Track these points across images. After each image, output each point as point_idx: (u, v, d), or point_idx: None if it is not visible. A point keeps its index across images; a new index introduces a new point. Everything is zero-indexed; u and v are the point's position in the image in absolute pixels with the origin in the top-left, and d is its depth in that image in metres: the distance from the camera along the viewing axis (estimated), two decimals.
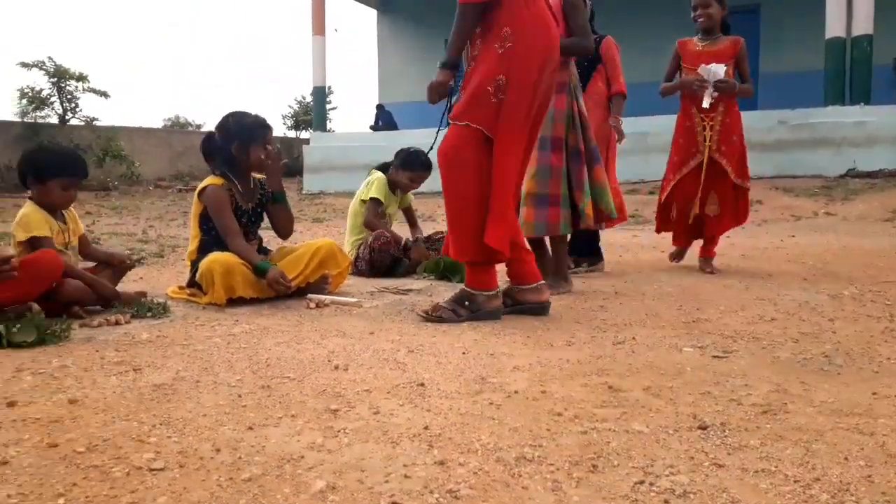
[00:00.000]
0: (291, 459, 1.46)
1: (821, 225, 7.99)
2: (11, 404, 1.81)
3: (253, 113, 3.47)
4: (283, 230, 3.67)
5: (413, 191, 4.69)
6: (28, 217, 3.01)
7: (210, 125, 15.50)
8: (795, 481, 1.36)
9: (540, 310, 3.01)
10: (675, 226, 4.54)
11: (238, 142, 3.40)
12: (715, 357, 2.32)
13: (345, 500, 1.28)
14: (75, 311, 2.89)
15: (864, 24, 10.64)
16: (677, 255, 4.71)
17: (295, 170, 16.59)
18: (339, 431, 1.63)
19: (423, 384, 1.99)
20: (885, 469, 1.41)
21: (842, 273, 4.24)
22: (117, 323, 2.79)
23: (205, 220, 3.43)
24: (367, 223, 4.40)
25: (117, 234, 7.07)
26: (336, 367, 2.19)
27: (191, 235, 3.52)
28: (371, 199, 4.43)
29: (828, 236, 6.87)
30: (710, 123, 4.33)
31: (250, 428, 1.65)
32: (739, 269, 4.54)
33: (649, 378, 2.06)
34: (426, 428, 1.64)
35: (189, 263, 3.46)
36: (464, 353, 2.38)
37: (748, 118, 11.49)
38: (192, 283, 3.36)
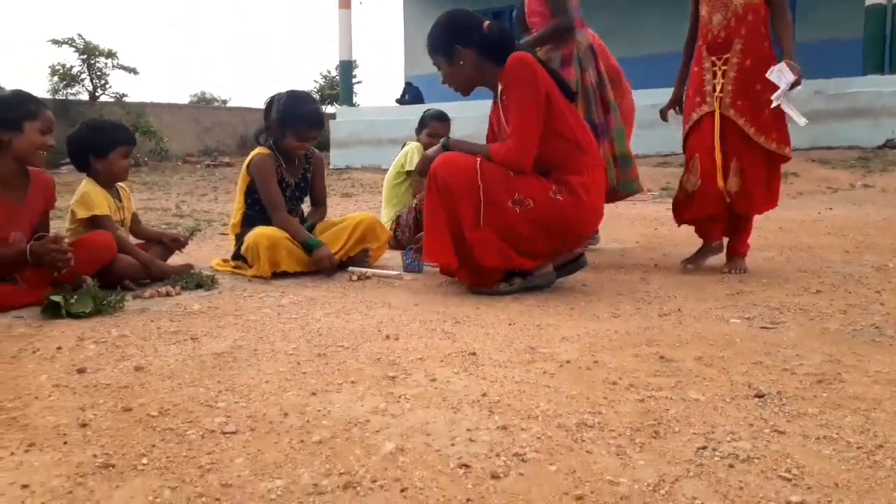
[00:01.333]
0: (358, 423, 1.51)
1: (858, 197, 7.87)
2: (81, 371, 1.88)
3: (313, 104, 3.52)
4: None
5: None
6: (89, 195, 3.10)
7: (237, 101, 15.56)
8: (858, 448, 1.37)
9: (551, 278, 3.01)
10: (693, 208, 3.40)
11: (280, 123, 3.43)
12: (763, 328, 2.32)
13: (415, 462, 1.32)
14: (127, 284, 2.96)
15: None
16: (692, 259, 3.48)
17: (320, 145, 16.62)
18: (399, 397, 1.67)
19: (474, 353, 2.03)
20: None
21: (885, 245, 4.19)
22: (168, 294, 2.85)
23: (250, 193, 3.48)
24: (416, 192, 4.41)
25: (151, 208, 7.16)
26: (387, 337, 2.22)
27: (235, 208, 3.58)
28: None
29: (867, 208, 6.77)
30: (723, 68, 3.25)
31: (313, 394, 1.69)
32: (778, 242, 4.51)
33: (699, 349, 2.07)
34: (484, 395, 1.68)
35: (234, 237, 3.51)
36: (510, 324, 2.40)
37: None
38: (237, 256, 3.41)
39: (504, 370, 1.87)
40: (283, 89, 3.54)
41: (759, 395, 1.66)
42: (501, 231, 2.81)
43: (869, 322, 2.37)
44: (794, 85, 3.11)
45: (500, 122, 2.98)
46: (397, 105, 14.05)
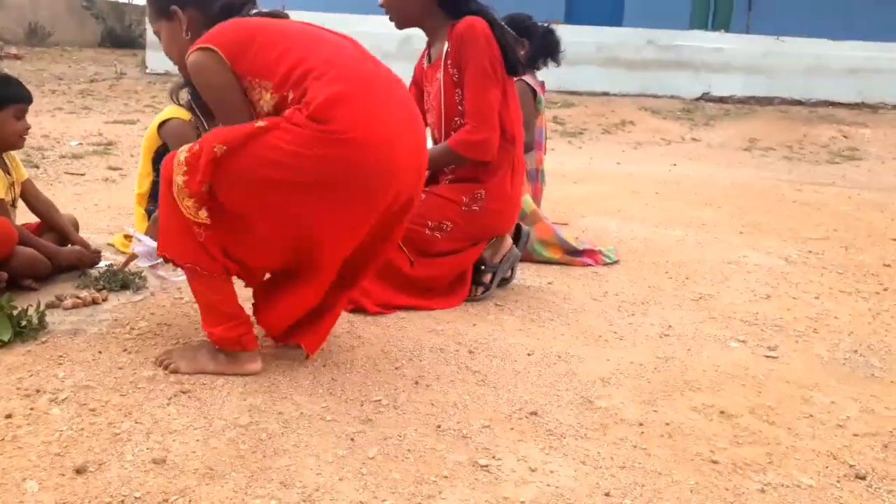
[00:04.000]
0: None
1: (692, 151, 8.43)
2: (80, 471, 1.44)
3: None
4: None
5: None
6: None
7: None
8: None
9: None
10: None
11: None
12: (767, 357, 2.35)
13: None
14: (29, 285, 2.37)
15: None
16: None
17: (127, 40, 14.84)
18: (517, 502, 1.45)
19: (535, 412, 1.84)
20: None
21: (769, 225, 4.47)
22: (94, 303, 2.32)
23: (159, 159, 2.90)
24: None
25: None
26: (416, 383, 1.96)
27: (139, 174, 2.98)
28: None
29: (706, 166, 7.28)
30: None
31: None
32: (673, 214, 4.65)
33: (738, 394, 2.05)
34: (607, 495, 1.51)
35: (143, 211, 2.94)
36: (529, 353, 2.23)
37: (616, 35, 11.65)
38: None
39: (587, 443, 1.71)
40: None
41: (861, 477, 1.65)
42: (439, 258, 2.59)
43: (848, 348, 2.48)
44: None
45: (427, 80, 2.71)
46: None
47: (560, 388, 2.00)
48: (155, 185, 2.93)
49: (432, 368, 2.06)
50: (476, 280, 2.68)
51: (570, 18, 13.42)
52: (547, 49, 3.50)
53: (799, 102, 11.01)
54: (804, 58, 10.97)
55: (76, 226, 2.72)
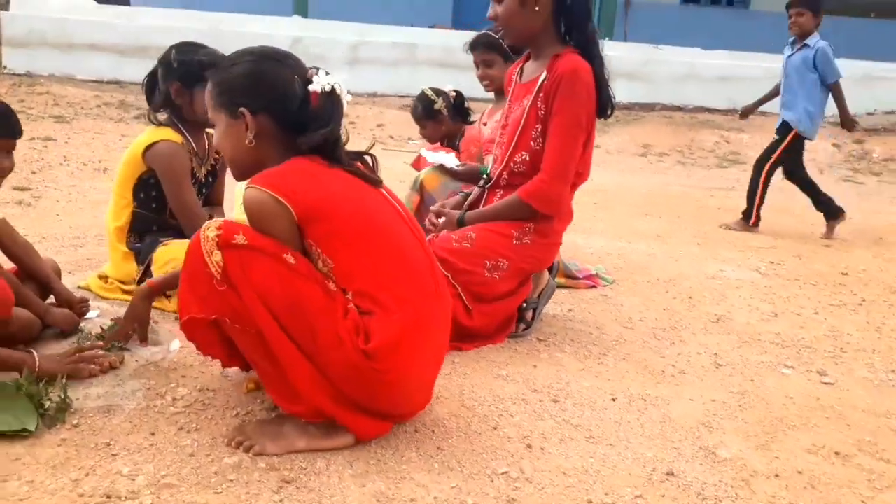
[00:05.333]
0: None
1: (595, 158, 8.62)
2: None
3: (210, 47, 2.56)
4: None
5: None
6: None
7: None
8: None
9: None
10: None
11: (179, 81, 2.50)
12: (825, 384, 2.35)
13: None
14: (23, 350, 1.93)
15: None
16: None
17: None
18: None
19: (671, 473, 1.70)
20: None
21: (710, 233, 4.59)
22: (112, 367, 1.93)
23: (143, 187, 2.51)
24: None
25: None
26: (529, 447, 1.77)
27: (114, 204, 2.56)
28: None
29: (613, 174, 7.49)
30: None
31: None
32: (614, 221, 4.68)
33: (831, 428, 2.01)
34: None
35: (123, 247, 2.52)
36: (613, 399, 2.09)
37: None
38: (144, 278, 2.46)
39: None
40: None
41: None
42: (496, 304, 2.42)
43: (884, 368, 2.53)
44: None
45: (515, 95, 2.52)
46: (96, 4, 11.63)
47: (672, 438, 1.88)
48: (136, 216, 2.54)
49: (531, 426, 1.88)
50: (518, 316, 2.51)
51: (457, 24, 13.45)
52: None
53: (679, 108, 11.59)
54: (679, 66, 11.56)
55: (58, 272, 2.29)
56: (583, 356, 2.41)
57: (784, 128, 4.94)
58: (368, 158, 1.74)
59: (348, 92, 1.69)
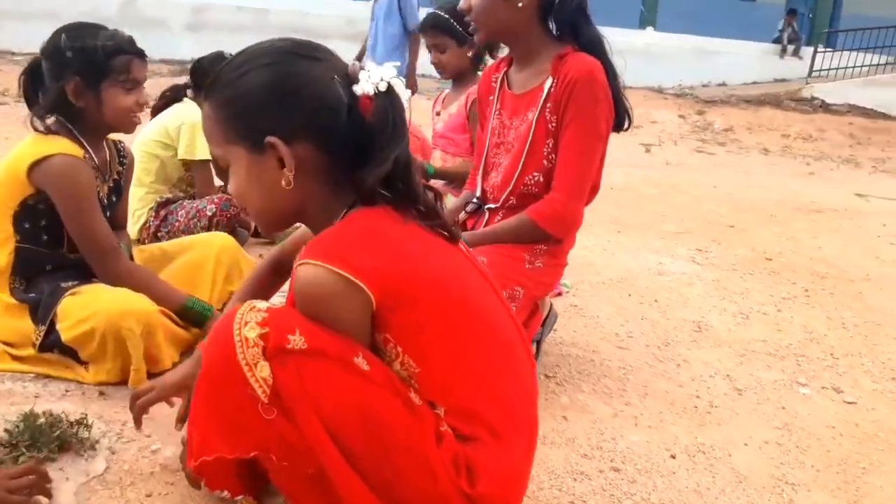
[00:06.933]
0: None
1: None
2: None
3: (110, 28, 1.93)
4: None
5: None
6: None
7: None
8: None
9: None
10: None
11: (78, 76, 1.86)
12: (848, 403, 2.21)
13: None
14: None
15: None
16: None
17: None
18: None
19: None
20: None
21: (621, 218, 4.46)
22: (38, 488, 1.34)
23: (29, 214, 1.86)
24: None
25: None
26: None
27: None
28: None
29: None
30: None
31: None
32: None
33: (890, 458, 1.85)
34: None
35: (12, 300, 1.85)
36: (672, 456, 1.80)
37: None
38: (50, 346, 1.81)
39: None
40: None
41: None
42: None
43: (886, 377, 2.44)
44: None
45: (507, 108, 2.09)
46: None
47: (757, 501, 1.62)
48: (21, 253, 1.88)
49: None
50: None
51: None
52: (490, 46, 2.97)
53: None
54: None
55: None
56: (603, 394, 2.10)
57: None
58: (431, 195, 1.26)
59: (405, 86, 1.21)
